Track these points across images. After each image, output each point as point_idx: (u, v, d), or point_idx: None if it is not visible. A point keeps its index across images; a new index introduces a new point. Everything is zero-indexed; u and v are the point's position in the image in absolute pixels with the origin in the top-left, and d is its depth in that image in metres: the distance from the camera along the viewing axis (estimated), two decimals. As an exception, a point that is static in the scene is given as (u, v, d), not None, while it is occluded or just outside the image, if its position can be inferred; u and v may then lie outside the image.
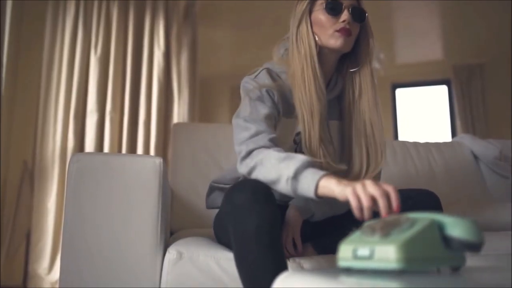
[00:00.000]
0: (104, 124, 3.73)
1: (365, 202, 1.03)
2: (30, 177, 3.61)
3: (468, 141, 2.51)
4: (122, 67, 3.90)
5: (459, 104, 7.01)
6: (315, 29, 1.42)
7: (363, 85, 1.45)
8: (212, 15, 4.99)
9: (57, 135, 3.61)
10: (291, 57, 1.43)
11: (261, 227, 1.13)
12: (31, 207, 3.52)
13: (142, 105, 3.87)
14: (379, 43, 5.26)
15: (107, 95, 3.78)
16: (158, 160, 1.38)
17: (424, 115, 7.51)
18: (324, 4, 1.40)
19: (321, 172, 1.16)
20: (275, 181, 1.22)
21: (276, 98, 1.40)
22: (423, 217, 0.81)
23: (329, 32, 1.39)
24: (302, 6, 1.43)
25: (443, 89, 7.50)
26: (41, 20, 3.81)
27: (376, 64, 5.06)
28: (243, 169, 1.30)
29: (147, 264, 1.33)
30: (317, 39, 1.41)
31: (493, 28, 5.97)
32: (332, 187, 1.11)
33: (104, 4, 3.93)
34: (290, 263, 1.31)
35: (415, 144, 2.44)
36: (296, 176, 1.17)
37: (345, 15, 1.38)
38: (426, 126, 7.43)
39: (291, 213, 1.41)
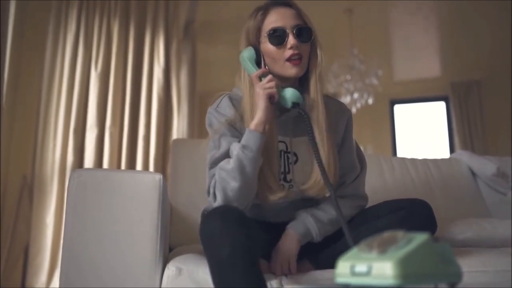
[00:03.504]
0: (104, 139, 3.75)
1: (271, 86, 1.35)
2: (29, 191, 3.61)
3: (466, 158, 2.52)
4: (122, 83, 3.92)
5: (457, 120, 7.06)
6: (267, 60, 1.43)
7: (313, 99, 1.43)
8: (211, 32, 5.04)
9: (56, 149, 3.62)
10: (242, 82, 1.46)
11: (234, 253, 1.13)
12: (29, 222, 3.52)
13: (141, 121, 3.89)
14: (377, 60, 5.31)
15: (107, 111, 3.80)
16: (158, 176, 1.39)
17: (422, 131, 7.55)
18: (268, 35, 1.41)
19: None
20: (239, 167, 1.30)
21: (239, 126, 1.42)
22: (420, 234, 0.82)
23: (280, 63, 1.41)
24: (245, 38, 1.47)
25: (441, 106, 7.55)
26: (42, 35, 3.84)
27: (374, 81, 5.10)
28: (217, 200, 1.35)
29: (146, 280, 1.33)
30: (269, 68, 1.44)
31: (489, 45, 6.03)
32: (255, 120, 1.34)
33: (105, 20, 3.97)
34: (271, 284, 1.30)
35: (413, 161, 2.45)
36: (242, 146, 1.32)
37: (291, 41, 1.39)
38: (425, 142, 7.47)
39: (287, 242, 1.40)
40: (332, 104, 1.53)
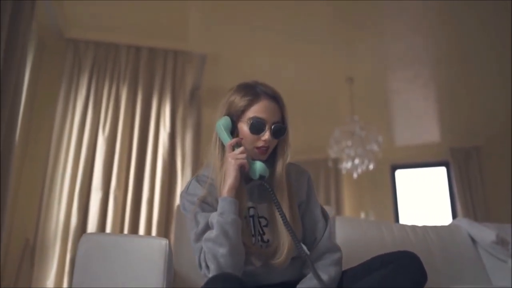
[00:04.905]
0: (108, 202, 3.79)
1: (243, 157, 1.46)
2: (31, 254, 3.61)
3: (465, 225, 2.54)
4: (128, 147, 4.01)
5: (458, 185, 7.08)
6: (239, 136, 1.55)
7: (278, 179, 1.55)
8: (215, 98, 5.16)
9: (61, 212, 3.65)
10: (213, 148, 1.58)
11: None
12: (30, 284, 3.50)
13: (146, 184, 3.94)
14: (377, 126, 5.42)
15: (112, 173, 3.86)
16: (164, 241, 1.44)
17: (424, 196, 7.56)
18: (250, 123, 1.52)
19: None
20: (222, 232, 1.37)
21: (210, 201, 1.52)
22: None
23: (249, 146, 1.53)
24: (226, 108, 1.57)
25: (442, 171, 7.60)
26: (53, 99, 3.98)
27: (375, 147, 5.18)
28: (211, 270, 1.39)
29: None
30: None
31: (487, 112, 6.15)
32: (225, 186, 1.43)
33: (114, 85, 4.12)
34: None
35: (413, 227, 2.48)
36: (220, 213, 1.40)
37: (266, 135, 1.52)
38: (427, 207, 7.46)
39: None
40: (291, 168, 1.66)
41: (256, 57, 4.81)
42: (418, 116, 6.37)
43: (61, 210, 3.66)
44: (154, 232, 3.81)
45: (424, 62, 5.01)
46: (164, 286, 1.39)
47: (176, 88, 4.33)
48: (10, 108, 2.61)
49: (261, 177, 1.49)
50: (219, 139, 1.56)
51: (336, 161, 6.04)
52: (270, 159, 1.59)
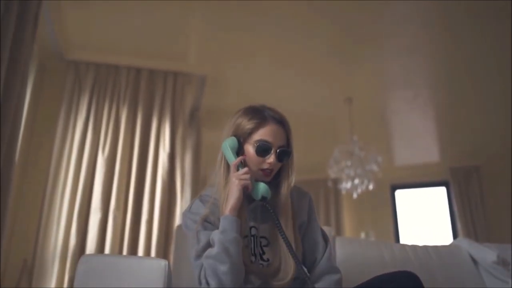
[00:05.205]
0: (107, 222, 3.77)
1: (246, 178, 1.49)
2: (29, 275, 3.58)
3: (466, 245, 2.53)
4: (128, 167, 4.01)
5: (458, 205, 7.07)
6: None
7: (282, 201, 1.58)
8: (215, 118, 5.20)
9: (59, 233, 3.63)
10: (219, 167, 1.61)
11: None
12: (27, 307, 3.47)
13: (145, 205, 3.93)
14: (377, 146, 5.42)
15: (111, 194, 3.86)
16: (164, 262, 1.43)
17: (425, 216, 7.54)
18: (256, 145, 1.55)
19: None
20: (223, 250, 1.38)
21: (212, 220, 1.54)
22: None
23: (254, 168, 1.56)
24: (233, 130, 1.60)
25: (442, 191, 7.59)
26: (53, 119, 3.99)
27: (374, 167, 5.18)
28: (211, 286, 1.40)
29: None
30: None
31: (487, 131, 6.16)
32: (228, 206, 1.45)
33: (114, 107, 4.13)
34: None
35: (414, 248, 2.47)
36: (221, 231, 1.42)
37: (271, 158, 1.55)
38: (428, 227, 7.43)
39: None
40: (293, 190, 1.67)
41: (255, 78, 4.84)
42: (418, 136, 6.38)
43: (60, 230, 3.65)
44: (153, 253, 3.79)
45: (424, 82, 5.04)
46: (163, 308, 1.38)
47: (176, 109, 4.35)
48: (10, 128, 2.61)
49: (263, 198, 1.51)
50: (225, 158, 1.59)
51: (336, 181, 6.04)
52: (273, 181, 1.62)
